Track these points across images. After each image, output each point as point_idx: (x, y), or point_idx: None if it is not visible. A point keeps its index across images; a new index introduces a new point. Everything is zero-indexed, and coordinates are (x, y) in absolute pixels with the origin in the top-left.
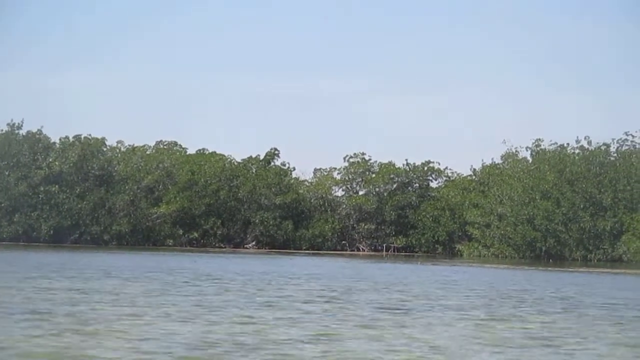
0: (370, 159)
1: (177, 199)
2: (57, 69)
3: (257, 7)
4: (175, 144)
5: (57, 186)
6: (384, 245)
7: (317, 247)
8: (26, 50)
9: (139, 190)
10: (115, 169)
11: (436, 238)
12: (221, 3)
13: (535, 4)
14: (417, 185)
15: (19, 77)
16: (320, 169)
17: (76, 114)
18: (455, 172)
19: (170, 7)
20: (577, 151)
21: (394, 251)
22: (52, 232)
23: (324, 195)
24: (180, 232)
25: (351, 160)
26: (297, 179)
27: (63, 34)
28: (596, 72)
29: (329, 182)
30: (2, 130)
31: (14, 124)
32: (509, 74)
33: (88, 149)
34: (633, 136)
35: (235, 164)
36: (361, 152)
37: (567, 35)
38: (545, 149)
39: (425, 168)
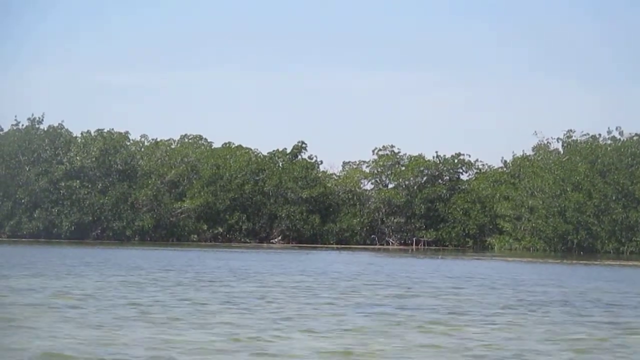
0: (399, 152)
1: (202, 193)
2: (80, 63)
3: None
4: (201, 137)
5: (78, 181)
6: (414, 239)
7: (344, 241)
8: (54, 46)
9: (162, 185)
10: (139, 163)
11: (467, 231)
12: None
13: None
14: (447, 177)
15: (42, 72)
16: (349, 162)
17: (99, 109)
18: (486, 164)
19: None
20: (608, 142)
21: (424, 245)
22: (73, 228)
23: (352, 189)
24: (205, 227)
25: (380, 153)
26: (324, 172)
27: (88, 29)
28: (625, 64)
29: (358, 175)
30: (22, 125)
31: (34, 119)
32: (538, 65)
33: (110, 144)
34: None
35: (261, 157)
36: (390, 144)
37: (598, 28)
38: (576, 140)
39: (456, 160)
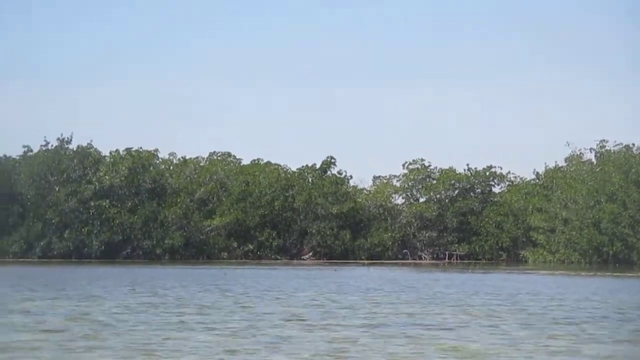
0: (430, 165)
1: (231, 210)
2: (106, 81)
3: (315, 15)
4: (229, 154)
5: (107, 201)
6: (447, 253)
7: (376, 256)
8: (75, 62)
9: (192, 203)
10: (168, 181)
11: (500, 244)
12: (285, 13)
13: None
14: (479, 190)
15: (70, 89)
16: (379, 176)
17: (128, 127)
18: (518, 176)
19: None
20: None
21: (456, 259)
22: (103, 247)
23: (383, 204)
24: (235, 244)
25: (411, 167)
26: (355, 187)
27: (113, 47)
28: None
29: (389, 189)
30: (52, 145)
31: (63, 139)
32: (570, 76)
33: (139, 162)
34: None
35: (291, 173)
36: (421, 158)
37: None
38: (609, 150)
39: (487, 173)
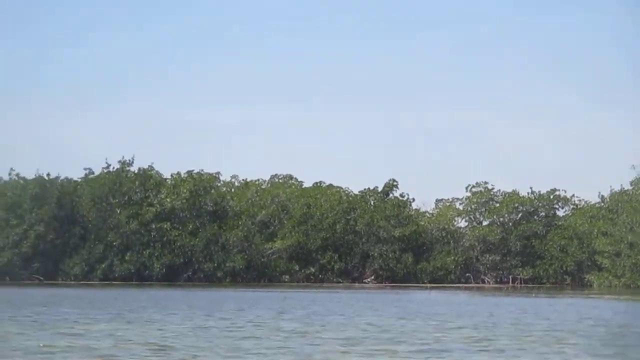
0: (493, 188)
1: (293, 233)
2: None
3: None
4: (291, 177)
5: (169, 223)
6: (510, 277)
7: (439, 280)
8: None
9: (253, 226)
10: (229, 204)
11: (564, 268)
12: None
13: None
14: (543, 214)
15: (128, 112)
16: (442, 199)
17: (189, 150)
18: (583, 199)
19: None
20: None
21: (520, 283)
22: (164, 270)
23: (446, 227)
24: (297, 267)
25: (474, 190)
26: (417, 210)
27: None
28: None
29: (451, 212)
30: (113, 167)
31: (124, 161)
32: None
33: (200, 185)
34: None
35: (352, 196)
36: (484, 181)
37: None
38: None
39: (551, 196)
